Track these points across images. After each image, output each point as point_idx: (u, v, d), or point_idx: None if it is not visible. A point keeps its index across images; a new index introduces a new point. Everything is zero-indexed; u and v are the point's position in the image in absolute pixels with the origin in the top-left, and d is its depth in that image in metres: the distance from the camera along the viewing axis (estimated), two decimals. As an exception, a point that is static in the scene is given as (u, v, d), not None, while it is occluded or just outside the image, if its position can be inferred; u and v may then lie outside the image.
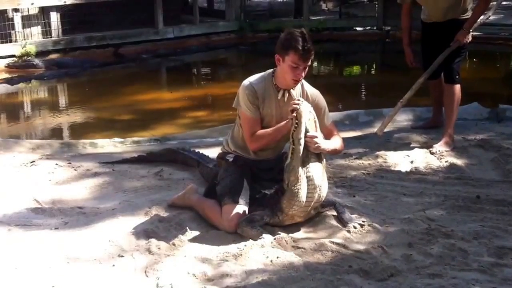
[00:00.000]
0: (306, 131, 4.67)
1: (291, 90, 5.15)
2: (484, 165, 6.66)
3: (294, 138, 4.65)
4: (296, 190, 4.73)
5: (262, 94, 5.14)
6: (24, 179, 6.37)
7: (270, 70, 5.22)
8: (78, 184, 6.25)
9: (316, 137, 4.72)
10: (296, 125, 4.65)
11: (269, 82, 5.18)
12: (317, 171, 4.77)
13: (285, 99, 5.14)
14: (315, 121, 4.77)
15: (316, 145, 4.70)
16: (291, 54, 4.91)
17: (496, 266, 4.31)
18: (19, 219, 5.32)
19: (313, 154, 4.74)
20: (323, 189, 4.87)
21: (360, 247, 4.65)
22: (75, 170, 6.65)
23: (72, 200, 5.83)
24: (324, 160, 4.92)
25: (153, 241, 4.76)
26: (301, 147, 4.65)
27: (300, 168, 4.68)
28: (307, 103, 4.78)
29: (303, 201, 4.80)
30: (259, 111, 5.16)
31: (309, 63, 5.02)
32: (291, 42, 4.90)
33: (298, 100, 4.80)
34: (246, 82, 5.19)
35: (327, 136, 5.04)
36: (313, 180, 4.74)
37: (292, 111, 4.73)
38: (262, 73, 5.25)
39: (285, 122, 4.99)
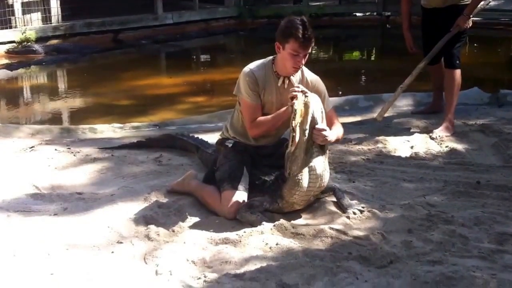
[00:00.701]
0: (315, 122, 4.63)
1: (291, 77, 5.13)
2: (484, 150, 6.66)
3: (295, 126, 4.59)
4: (298, 180, 4.72)
5: (263, 81, 5.12)
6: (23, 165, 6.35)
7: (270, 57, 5.20)
8: (77, 170, 6.23)
9: (325, 130, 4.67)
10: (295, 113, 4.60)
11: (269, 69, 5.16)
12: (319, 161, 4.74)
13: (285, 86, 5.13)
14: (321, 112, 4.73)
15: (324, 138, 4.67)
16: (291, 42, 4.89)
17: (497, 253, 4.28)
18: (18, 205, 5.29)
19: (316, 144, 4.71)
20: (325, 178, 4.85)
21: (360, 233, 4.63)
22: (74, 155, 6.64)
23: (71, 185, 5.80)
24: (327, 150, 4.89)
25: (152, 227, 4.74)
26: (305, 138, 4.62)
27: (303, 158, 4.66)
28: (314, 94, 4.75)
29: (304, 191, 4.78)
30: (260, 98, 5.14)
31: (310, 50, 5.00)
32: (291, 30, 4.88)
33: (298, 87, 4.80)
34: (246, 69, 5.17)
35: (327, 122, 4.98)
36: (315, 170, 4.71)
37: (292, 98, 4.71)
38: (262, 60, 5.23)
39: (285, 108, 4.99)
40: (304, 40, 4.87)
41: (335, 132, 5.01)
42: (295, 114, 4.60)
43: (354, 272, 4.02)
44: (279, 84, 5.16)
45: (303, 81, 5.18)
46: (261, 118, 5.15)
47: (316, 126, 4.63)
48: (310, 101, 4.58)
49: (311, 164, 4.70)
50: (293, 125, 4.58)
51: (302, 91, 4.73)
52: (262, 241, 4.49)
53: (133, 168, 6.26)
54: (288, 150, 4.66)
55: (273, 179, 5.09)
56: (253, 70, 5.14)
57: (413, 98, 8.62)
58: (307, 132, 4.61)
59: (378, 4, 19.01)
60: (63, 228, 4.79)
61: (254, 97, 5.11)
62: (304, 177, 4.71)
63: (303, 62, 5.02)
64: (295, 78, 5.16)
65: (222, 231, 4.70)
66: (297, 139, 4.58)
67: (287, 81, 5.15)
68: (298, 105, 4.61)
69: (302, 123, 4.59)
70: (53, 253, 4.39)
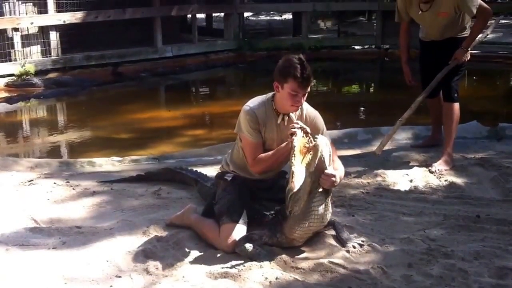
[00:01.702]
0: (323, 166, 4.61)
1: (291, 113, 5.15)
2: (484, 184, 6.63)
3: (294, 162, 4.58)
4: (299, 220, 4.72)
5: (263, 119, 5.13)
6: (22, 198, 6.32)
7: (270, 95, 5.21)
8: (76, 203, 6.21)
9: (334, 176, 4.67)
10: (294, 149, 4.61)
11: (269, 106, 5.17)
12: (322, 202, 4.73)
13: (285, 122, 5.14)
14: (330, 155, 4.71)
15: (331, 184, 4.68)
16: (290, 82, 4.90)
17: (497, 287, 4.27)
18: (17, 238, 5.26)
19: (321, 185, 4.70)
20: (327, 218, 4.84)
21: (359, 267, 4.59)
22: (73, 189, 6.62)
23: (70, 219, 5.78)
24: (331, 192, 4.88)
25: (151, 261, 4.72)
26: (310, 180, 4.60)
27: (306, 200, 4.64)
28: (323, 136, 4.74)
29: (305, 230, 4.78)
30: (261, 135, 5.15)
31: (308, 89, 5.00)
32: (290, 70, 4.89)
33: (296, 123, 4.82)
34: (246, 107, 5.17)
35: None
36: (317, 211, 4.71)
37: (291, 134, 4.73)
38: (262, 97, 5.25)
39: (284, 144, 4.99)
40: (303, 80, 4.87)
41: (339, 174, 4.95)
42: (294, 150, 4.60)
43: (354, 307, 4.01)
44: (278, 122, 5.16)
45: (301, 116, 5.19)
46: (262, 155, 5.15)
47: (326, 171, 4.61)
48: (319, 144, 4.56)
49: (313, 205, 4.68)
50: (293, 161, 4.58)
51: (301, 127, 4.74)
52: (262, 275, 4.46)
53: (132, 201, 6.24)
54: (289, 186, 4.61)
55: (273, 214, 5.07)
56: (253, 108, 5.14)
57: (412, 132, 8.61)
58: (312, 175, 4.59)
59: (376, 37, 19.11)
60: (62, 261, 4.76)
61: (256, 134, 5.12)
62: (306, 217, 4.70)
63: (303, 101, 5.03)
64: (294, 113, 5.17)
65: (221, 265, 4.67)
66: (297, 177, 4.55)
67: (286, 118, 5.15)
68: (297, 141, 4.62)
69: (309, 166, 4.58)
70: (51, 287, 4.36)
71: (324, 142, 4.60)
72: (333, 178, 4.65)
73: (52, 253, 4.95)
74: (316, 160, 4.56)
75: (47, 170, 7.45)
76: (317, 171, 4.60)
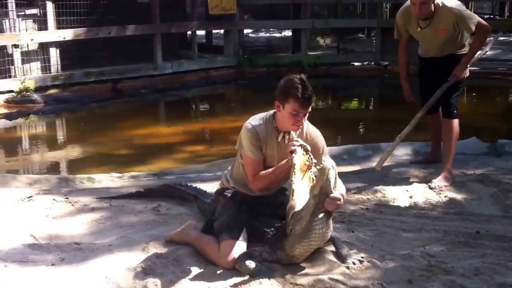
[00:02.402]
0: (328, 190, 4.59)
1: (291, 131, 5.16)
2: (483, 200, 6.62)
3: (294, 179, 4.60)
4: (300, 239, 4.71)
5: (264, 137, 5.13)
6: (21, 215, 6.31)
7: (271, 113, 5.21)
8: (75, 220, 6.19)
9: (339, 199, 4.68)
10: (294, 167, 4.63)
11: (270, 124, 5.17)
12: (324, 222, 4.72)
13: (286, 141, 5.15)
14: (336, 178, 4.68)
15: (336, 207, 4.70)
16: (291, 102, 4.91)
17: (497, 303, 4.27)
18: (15, 255, 5.25)
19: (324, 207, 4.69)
20: (328, 236, 4.85)
21: (359, 283, 4.59)
22: (72, 205, 6.60)
23: (69, 235, 5.76)
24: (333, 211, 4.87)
25: (151, 278, 4.71)
26: (314, 202, 4.60)
27: (308, 220, 4.63)
28: (330, 159, 4.70)
29: (305, 248, 4.78)
30: (262, 152, 5.15)
31: (310, 109, 5.01)
32: (291, 90, 4.90)
33: (297, 141, 4.85)
34: (248, 125, 5.17)
35: None
36: (319, 230, 4.70)
37: (291, 152, 4.75)
38: (263, 115, 5.25)
39: (285, 161, 5.00)
40: (304, 100, 4.89)
41: (342, 195, 4.92)
42: (294, 168, 4.61)
43: (354, 324, 3.99)
44: (279, 140, 5.17)
45: (302, 134, 5.19)
46: (263, 172, 5.15)
47: (331, 195, 4.60)
48: (326, 166, 4.53)
49: (315, 224, 4.67)
50: (293, 178, 4.59)
51: (301, 145, 4.77)
52: (261, 291, 4.41)
53: (131, 218, 6.22)
54: (289, 204, 4.61)
55: (273, 230, 5.06)
56: (254, 125, 5.14)
57: (411, 148, 8.62)
58: (316, 198, 4.58)
59: (375, 54, 19.11)
60: (60, 278, 4.75)
61: (257, 152, 5.12)
62: (307, 236, 4.69)
63: (304, 120, 5.04)
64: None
65: (221, 282, 4.65)
66: (297, 194, 4.56)
67: (287, 136, 5.16)
68: (297, 159, 4.65)
69: (314, 188, 4.58)
70: (50, 304, 4.36)
71: (330, 165, 4.57)
72: (338, 202, 4.66)
73: (50, 270, 4.93)
74: (321, 183, 4.55)
75: (46, 186, 7.44)
76: (321, 193, 4.58)
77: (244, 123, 5.22)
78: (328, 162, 4.57)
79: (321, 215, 4.67)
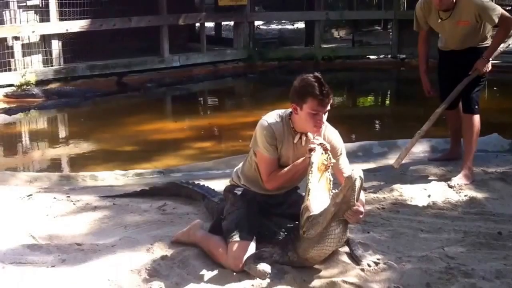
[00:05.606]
0: (351, 202, 4.41)
1: (309, 133, 5.03)
2: (505, 199, 6.53)
3: (311, 180, 4.52)
4: (314, 243, 4.59)
5: (280, 136, 5.01)
6: (20, 214, 6.24)
7: (287, 112, 5.08)
8: (76, 219, 6.12)
9: (362, 213, 4.58)
10: (312, 166, 4.55)
11: (287, 124, 5.04)
12: (340, 227, 4.59)
13: (303, 142, 5.02)
14: (360, 189, 4.51)
15: (357, 220, 4.64)
16: (309, 101, 4.78)
17: (519, 308, 4.17)
18: (14, 256, 5.16)
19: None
20: (344, 239, 4.76)
21: (375, 286, 4.53)
22: (73, 204, 6.54)
23: (70, 236, 5.69)
24: None
25: (155, 280, 4.63)
26: (334, 209, 4.44)
27: (324, 227, 4.50)
28: (360, 169, 4.52)
29: (319, 252, 4.67)
30: (277, 151, 5.03)
31: (329, 107, 4.89)
32: (308, 89, 4.79)
33: (316, 139, 4.75)
34: (264, 122, 5.04)
35: (341, 179, 4.90)
36: (334, 235, 4.58)
37: (310, 150, 4.65)
38: (279, 112, 5.12)
39: (301, 159, 4.89)
40: (323, 96, 4.78)
41: (363, 206, 4.81)
42: (312, 167, 4.53)
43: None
44: (295, 141, 5.04)
45: (320, 135, 5.04)
46: (278, 171, 5.04)
47: (354, 208, 4.45)
48: (355, 176, 4.34)
49: (331, 229, 4.55)
50: (309, 177, 4.51)
51: (320, 144, 4.67)
52: (272, 295, 4.35)
53: (135, 217, 6.16)
54: (304, 204, 4.53)
55: (285, 231, 4.94)
56: (270, 123, 5.01)
57: (429, 144, 8.57)
58: (337, 206, 4.44)
59: (392, 47, 19.01)
60: (61, 281, 4.67)
61: (272, 150, 4.99)
62: (322, 240, 4.57)
63: (324, 119, 4.90)
64: (311, 131, 5.11)
65: (229, 284, 4.57)
66: (313, 194, 4.50)
67: (304, 138, 5.02)
68: (316, 158, 4.57)
69: (337, 196, 4.43)
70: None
71: (358, 175, 4.40)
72: (361, 216, 4.58)
73: (50, 272, 4.85)
74: (345, 191, 4.39)
75: (47, 184, 7.43)
76: (343, 203, 4.43)
77: (260, 119, 5.11)
78: (356, 172, 4.42)
79: (338, 223, 4.56)
